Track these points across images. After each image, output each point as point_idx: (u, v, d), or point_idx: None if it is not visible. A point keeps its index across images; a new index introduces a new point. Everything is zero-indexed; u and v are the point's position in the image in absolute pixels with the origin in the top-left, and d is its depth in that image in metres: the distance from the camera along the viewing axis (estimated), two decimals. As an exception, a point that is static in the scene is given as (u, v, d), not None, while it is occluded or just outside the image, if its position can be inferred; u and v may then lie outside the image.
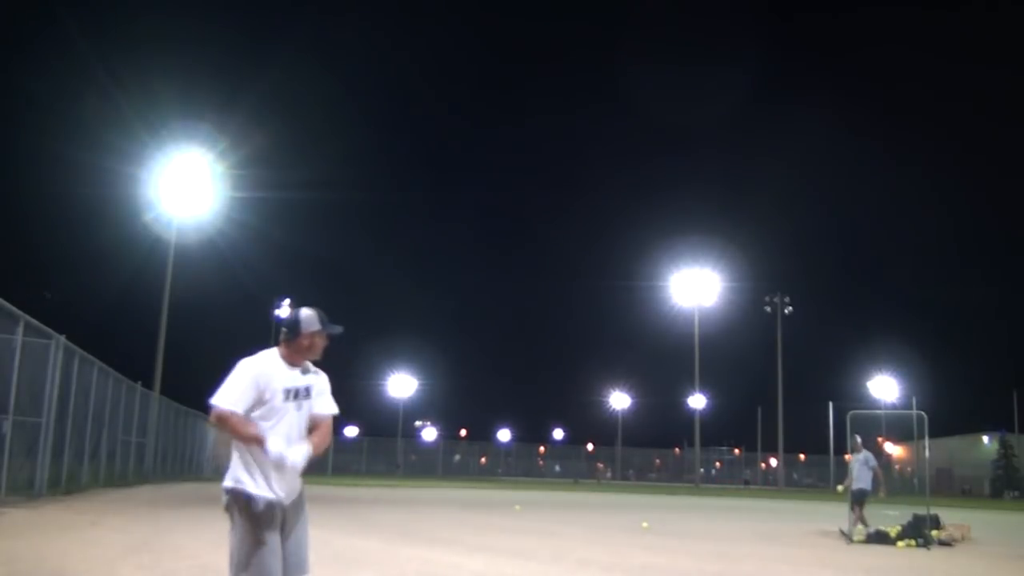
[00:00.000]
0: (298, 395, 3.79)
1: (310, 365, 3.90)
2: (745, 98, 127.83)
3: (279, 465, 3.62)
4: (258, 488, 3.66)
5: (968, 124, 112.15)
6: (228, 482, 3.73)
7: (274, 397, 3.71)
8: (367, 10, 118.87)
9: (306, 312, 3.85)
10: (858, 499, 13.54)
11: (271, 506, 3.65)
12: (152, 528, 10.70)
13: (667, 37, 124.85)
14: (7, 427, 12.33)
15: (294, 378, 3.79)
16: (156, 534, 9.94)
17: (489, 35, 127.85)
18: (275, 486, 3.68)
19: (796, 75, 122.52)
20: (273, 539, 3.64)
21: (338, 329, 3.91)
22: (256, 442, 3.61)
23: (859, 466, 13.57)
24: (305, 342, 3.81)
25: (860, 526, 13.27)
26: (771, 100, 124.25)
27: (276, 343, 3.91)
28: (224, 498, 3.73)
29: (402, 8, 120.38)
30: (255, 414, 3.69)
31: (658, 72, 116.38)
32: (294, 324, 3.81)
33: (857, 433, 13.86)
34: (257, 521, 3.61)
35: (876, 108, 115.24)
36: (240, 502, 3.66)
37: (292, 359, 3.81)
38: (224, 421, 3.64)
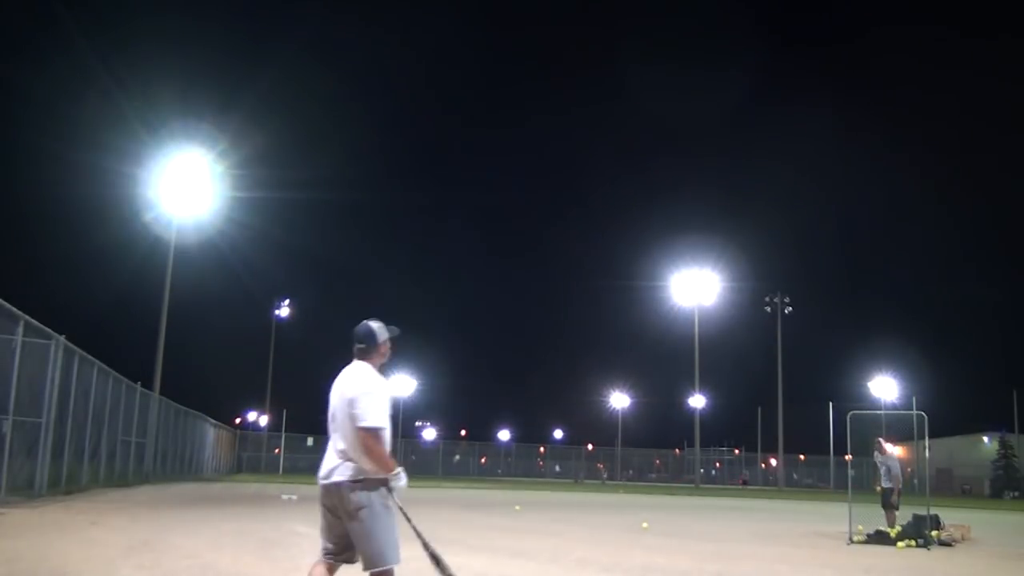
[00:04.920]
0: None
1: None
2: (745, 98, 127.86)
3: (402, 487, 4.13)
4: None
5: (968, 124, 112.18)
6: (366, 475, 4.16)
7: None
8: (367, 10, 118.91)
9: (376, 324, 4.29)
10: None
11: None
12: (152, 528, 10.69)
13: (667, 38, 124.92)
14: (7, 427, 12.34)
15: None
16: (156, 534, 9.94)
17: (490, 35, 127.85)
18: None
19: (796, 75, 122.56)
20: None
21: (397, 330, 4.35)
22: (389, 470, 4.06)
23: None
24: (383, 350, 4.27)
25: (860, 526, 13.29)
26: (771, 100, 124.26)
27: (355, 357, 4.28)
28: (359, 491, 4.14)
29: (402, 8, 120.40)
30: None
31: (659, 72, 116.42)
32: (371, 337, 4.25)
33: (868, 435, 14.27)
34: (394, 504, 4.16)
35: (876, 108, 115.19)
36: (384, 488, 4.17)
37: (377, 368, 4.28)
38: (382, 442, 4.07)
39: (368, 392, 4.09)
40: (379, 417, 4.06)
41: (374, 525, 4.03)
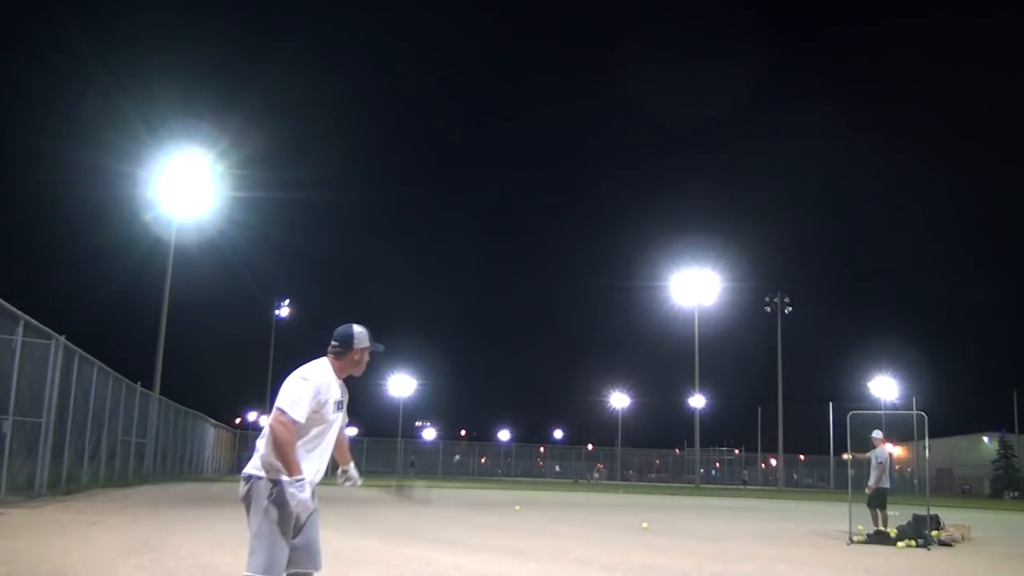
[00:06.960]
0: (341, 407, 3.95)
1: None
2: (745, 98, 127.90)
3: (297, 503, 3.63)
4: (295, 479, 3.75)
5: (968, 123, 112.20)
6: (261, 471, 3.76)
7: (327, 408, 3.82)
8: (367, 9, 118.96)
9: (358, 328, 3.99)
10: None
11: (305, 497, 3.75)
12: (152, 528, 10.69)
13: (668, 37, 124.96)
14: (7, 427, 12.35)
15: (341, 390, 3.96)
16: (156, 534, 9.94)
17: (490, 35, 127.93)
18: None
19: (796, 75, 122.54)
20: (290, 531, 3.74)
21: (381, 347, 4.06)
22: (294, 473, 3.63)
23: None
24: (356, 356, 3.96)
25: (860, 526, 13.26)
26: (771, 100, 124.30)
27: (323, 353, 3.99)
28: (245, 486, 3.77)
29: (402, 7, 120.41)
30: (312, 425, 3.79)
31: (659, 72, 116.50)
32: (347, 339, 3.95)
33: (874, 432, 13.97)
34: (287, 510, 3.69)
35: (876, 107, 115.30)
36: (273, 489, 3.72)
37: (340, 372, 3.94)
38: (288, 432, 3.64)
39: (296, 376, 3.77)
40: (294, 402, 3.66)
41: (252, 525, 3.70)
